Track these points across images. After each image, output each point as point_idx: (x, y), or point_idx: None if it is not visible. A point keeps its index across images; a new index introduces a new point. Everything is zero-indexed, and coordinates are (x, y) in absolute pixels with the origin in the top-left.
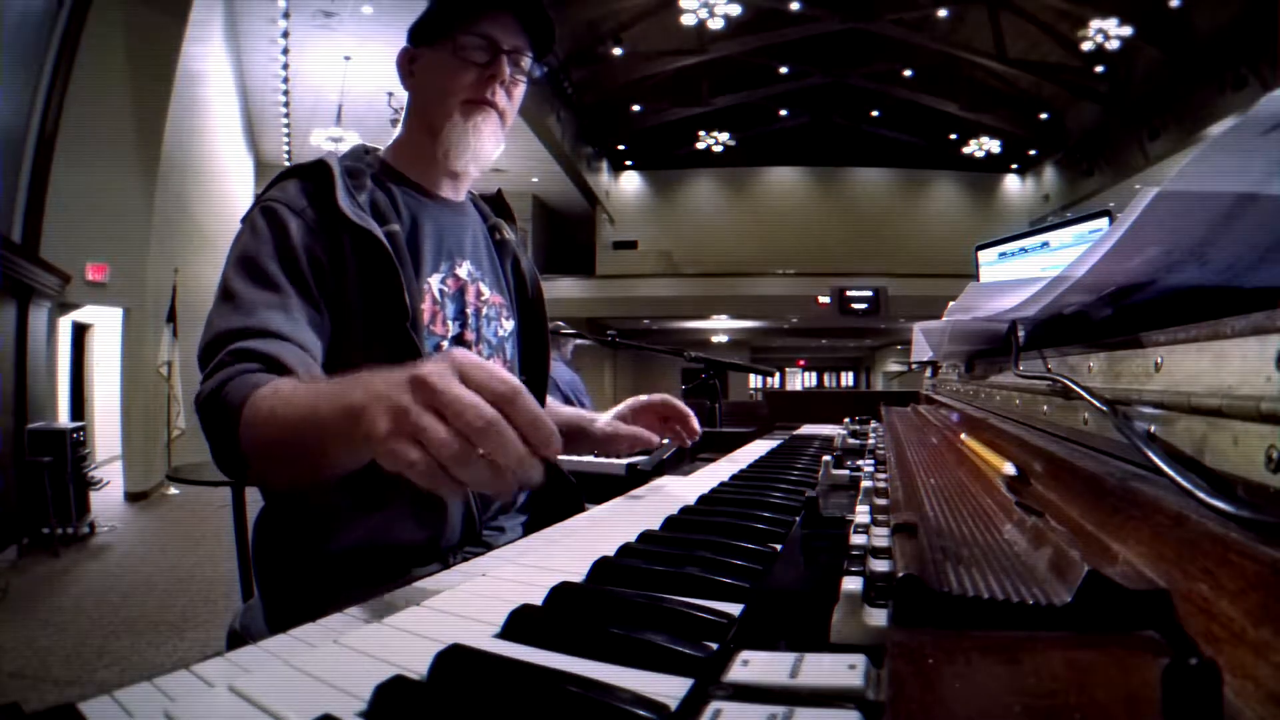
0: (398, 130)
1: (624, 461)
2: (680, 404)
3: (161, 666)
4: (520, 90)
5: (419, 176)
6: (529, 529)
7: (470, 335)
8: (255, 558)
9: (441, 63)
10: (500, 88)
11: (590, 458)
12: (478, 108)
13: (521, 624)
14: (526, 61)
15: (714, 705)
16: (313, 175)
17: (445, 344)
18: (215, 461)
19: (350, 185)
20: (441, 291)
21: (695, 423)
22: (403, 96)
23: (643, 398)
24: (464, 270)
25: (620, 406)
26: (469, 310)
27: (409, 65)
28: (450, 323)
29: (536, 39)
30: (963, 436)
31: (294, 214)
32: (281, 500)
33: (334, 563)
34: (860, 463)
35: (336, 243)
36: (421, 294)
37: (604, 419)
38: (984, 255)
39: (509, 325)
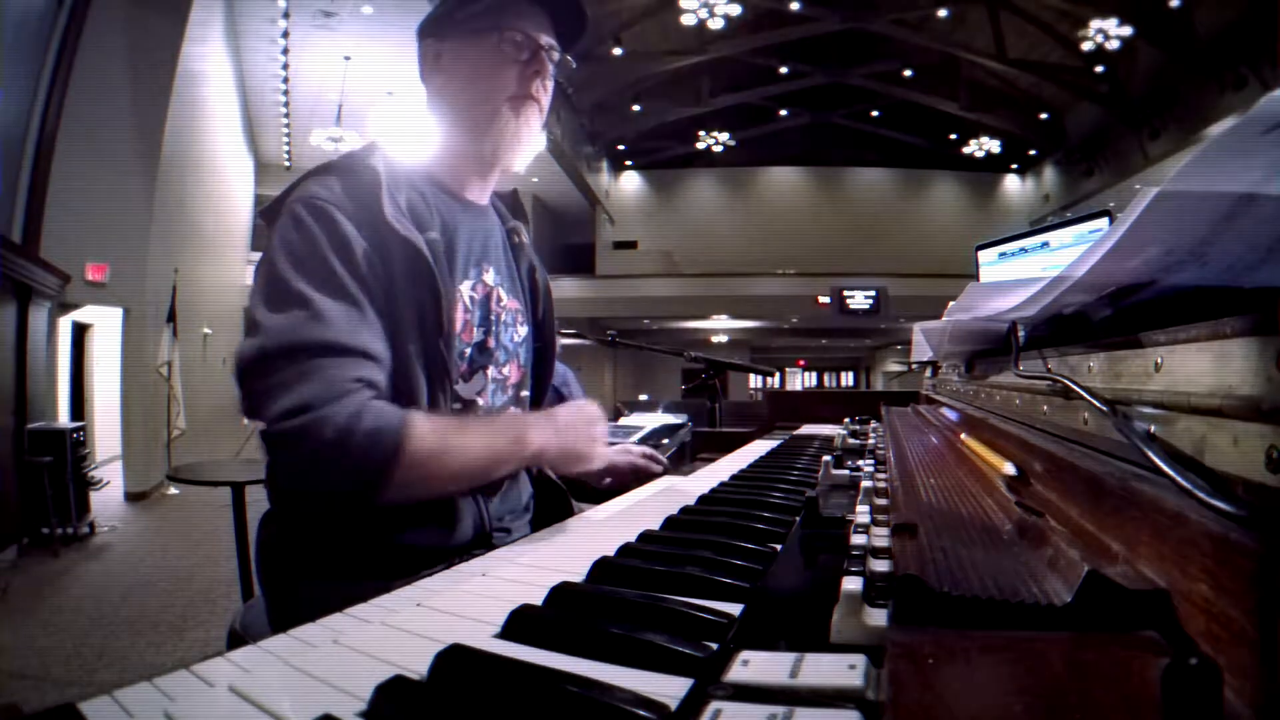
0: (437, 129)
1: None
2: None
3: (161, 666)
4: (552, 85)
5: (449, 177)
6: (533, 530)
7: (491, 342)
8: (259, 558)
9: (480, 60)
10: (541, 82)
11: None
12: (525, 103)
13: (521, 624)
14: (557, 54)
15: (714, 705)
16: (358, 176)
17: (468, 351)
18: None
19: (392, 188)
20: (472, 299)
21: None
22: (402, 97)
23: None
24: (490, 276)
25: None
26: (492, 317)
27: (436, 61)
28: (476, 329)
29: (571, 31)
30: (963, 436)
31: (344, 215)
32: (290, 504)
33: (341, 565)
34: (860, 463)
35: (383, 248)
36: (454, 302)
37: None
38: (984, 255)
39: (524, 331)
